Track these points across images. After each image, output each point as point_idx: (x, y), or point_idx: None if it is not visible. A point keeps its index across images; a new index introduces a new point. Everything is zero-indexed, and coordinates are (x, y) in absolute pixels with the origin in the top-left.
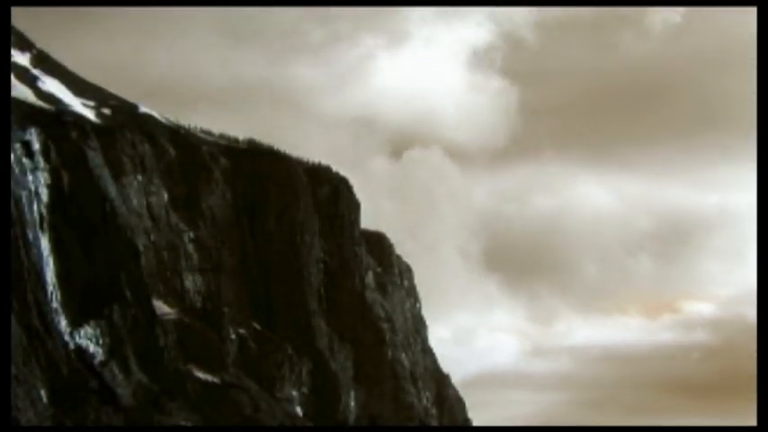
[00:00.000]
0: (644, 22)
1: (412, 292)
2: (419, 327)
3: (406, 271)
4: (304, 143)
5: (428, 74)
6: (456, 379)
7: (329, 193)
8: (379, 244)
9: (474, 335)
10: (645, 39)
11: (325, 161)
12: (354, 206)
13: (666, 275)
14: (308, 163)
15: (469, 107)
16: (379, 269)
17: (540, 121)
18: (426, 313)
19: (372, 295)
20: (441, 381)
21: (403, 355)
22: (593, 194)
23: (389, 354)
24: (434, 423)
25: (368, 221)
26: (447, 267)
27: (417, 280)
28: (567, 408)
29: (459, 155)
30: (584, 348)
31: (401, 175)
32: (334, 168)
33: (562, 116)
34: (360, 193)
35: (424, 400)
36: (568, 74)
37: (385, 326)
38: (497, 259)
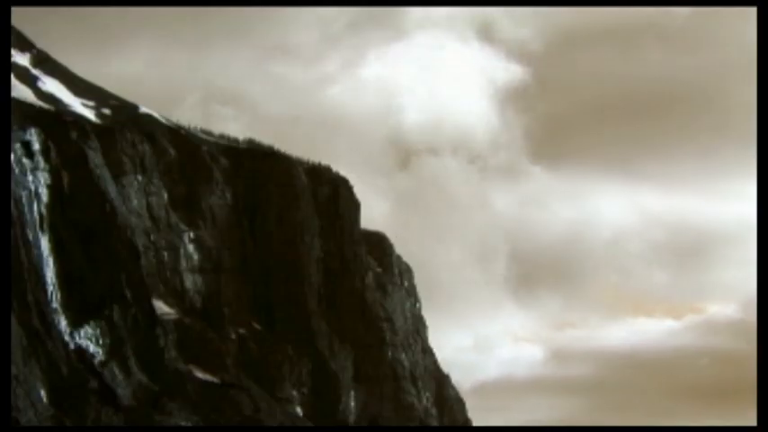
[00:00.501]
0: (664, 29)
1: (412, 292)
2: (419, 327)
3: (406, 271)
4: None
5: (445, 80)
6: (477, 385)
7: (329, 194)
8: (379, 244)
9: (495, 342)
10: (664, 47)
11: (330, 163)
12: (354, 206)
13: (685, 284)
14: (308, 163)
15: (489, 116)
16: (379, 269)
17: (559, 130)
18: (447, 321)
19: (372, 295)
20: (441, 381)
21: (403, 355)
22: (612, 204)
23: (389, 354)
24: (434, 423)
25: (390, 234)
26: (468, 275)
27: (432, 284)
28: (586, 412)
29: (478, 162)
30: (603, 354)
31: (418, 181)
32: (334, 169)
33: (581, 126)
34: (376, 200)
35: (424, 400)
36: (586, 83)
37: (385, 326)
38: (518, 266)
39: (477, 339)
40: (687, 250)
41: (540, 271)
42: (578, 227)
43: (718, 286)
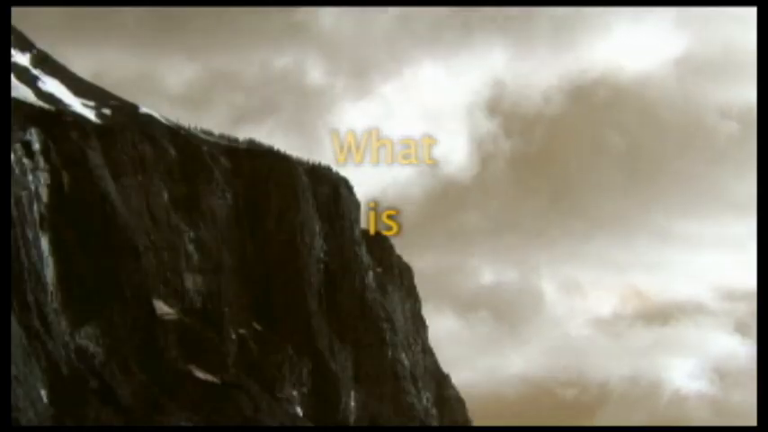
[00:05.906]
0: None
1: (412, 292)
2: (419, 327)
3: (406, 271)
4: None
5: None
6: None
7: (329, 194)
8: (379, 244)
9: None
10: None
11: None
12: (354, 206)
13: None
14: (307, 163)
15: None
16: (379, 269)
17: None
18: None
19: (372, 295)
20: (441, 381)
21: (403, 355)
22: None
23: (389, 354)
24: (434, 423)
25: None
26: None
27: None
28: None
29: None
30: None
31: None
32: (334, 169)
33: None
34: None
35: (424, 400)
36: None
37: (385, 326)
38: None
39: None
40: None
41: None
42: None
43: None
